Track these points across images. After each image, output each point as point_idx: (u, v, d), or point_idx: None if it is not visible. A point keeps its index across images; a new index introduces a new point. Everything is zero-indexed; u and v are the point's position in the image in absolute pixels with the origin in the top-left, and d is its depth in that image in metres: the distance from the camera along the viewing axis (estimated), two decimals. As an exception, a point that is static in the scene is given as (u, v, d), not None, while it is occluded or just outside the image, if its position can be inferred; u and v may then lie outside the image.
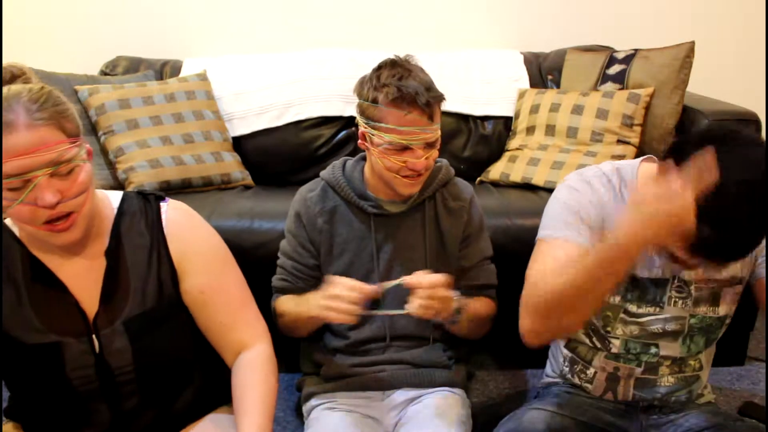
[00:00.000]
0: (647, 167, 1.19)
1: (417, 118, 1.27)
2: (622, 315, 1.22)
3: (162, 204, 1.15)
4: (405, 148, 1.29)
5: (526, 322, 1.15)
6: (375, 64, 1.35)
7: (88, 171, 1.00)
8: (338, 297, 1.21)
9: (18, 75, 1.01)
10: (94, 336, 1.05)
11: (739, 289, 1.23)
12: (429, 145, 1.32)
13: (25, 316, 1.03)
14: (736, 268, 1.20)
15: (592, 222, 1.16)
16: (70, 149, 0.96)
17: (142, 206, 1.13)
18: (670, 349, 1.23)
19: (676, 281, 1.20)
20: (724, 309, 1.22)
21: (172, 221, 1.13)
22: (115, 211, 1.12)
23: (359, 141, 1.37)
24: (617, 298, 1.22)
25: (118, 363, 1.06)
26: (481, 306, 1.43)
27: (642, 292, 1.21)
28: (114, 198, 1.14)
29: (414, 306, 1.22)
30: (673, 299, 1.21)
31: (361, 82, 1.34)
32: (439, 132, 1.33)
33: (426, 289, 1.22)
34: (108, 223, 1.09)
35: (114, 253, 1.08)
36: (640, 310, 1.21)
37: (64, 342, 1.03)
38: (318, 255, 1.43)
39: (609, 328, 1.24)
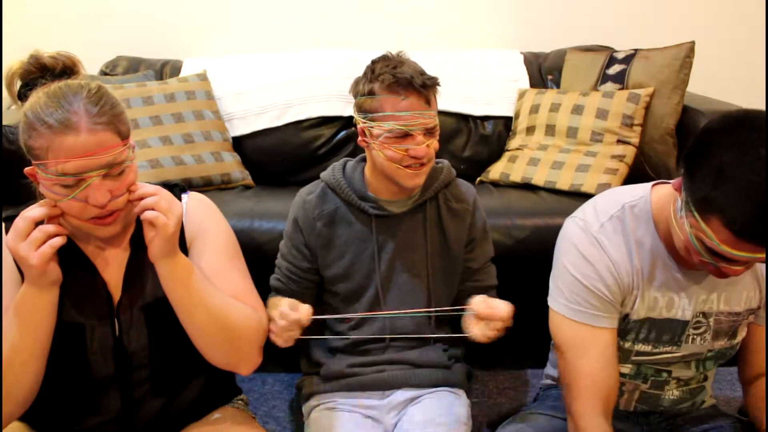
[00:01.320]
0: (660, 194, 1.13)
1: (414, 102, 1.28)
2: (633, 357, 1.20)
3: (183, 195, 1.18)
4: (405, 135, 1.30)
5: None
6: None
7: (135, 170, 1.04)
8: (275, 324, 1.21)
9: (72, 70, 1.03)
10: (116, 319, 1.08)
11: (753, 319, 1.20)
12: (429, 132, 1.32)
13: None
14: (754, 300, 1.17)
15: (608, 292, 1.13)
16: (124, 151, 1.00)
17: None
18: (682, 373, 1.22)
19: (695, 318, 1.15)
20: (739, 338, 1.20)
21: (191, 211, 1.16)
22: None
23: (359, 139, 1.37)
24: (627, 343, 1.17)
25: (134, 347, 1.09)
26: None
27: (658, 333, 1.16)
28: None
29: (479, 335, 1.24)
30: (691, 337, 1.17)
31: (356, 82, 1.37)
32: (437, 121, 1.34)
33: (499, 321, 1.23)
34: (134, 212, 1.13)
35: (138, 240, 1.11)
36: (655, 350, 1.18)
37: (88, 324, 1.07)
38: (314, 258, 1.43)
39: (620, 362, 1.21)
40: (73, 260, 1.07)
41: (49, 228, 0.95)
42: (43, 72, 1.01)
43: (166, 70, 2.44)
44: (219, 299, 1.07)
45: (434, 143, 1.34)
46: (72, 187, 0.96)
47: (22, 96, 1.00)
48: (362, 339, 1.43)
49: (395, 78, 1.28)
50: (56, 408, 1.10)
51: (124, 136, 1.01)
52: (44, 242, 0.94)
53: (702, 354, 1.19)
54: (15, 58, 1.02)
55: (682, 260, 1.11)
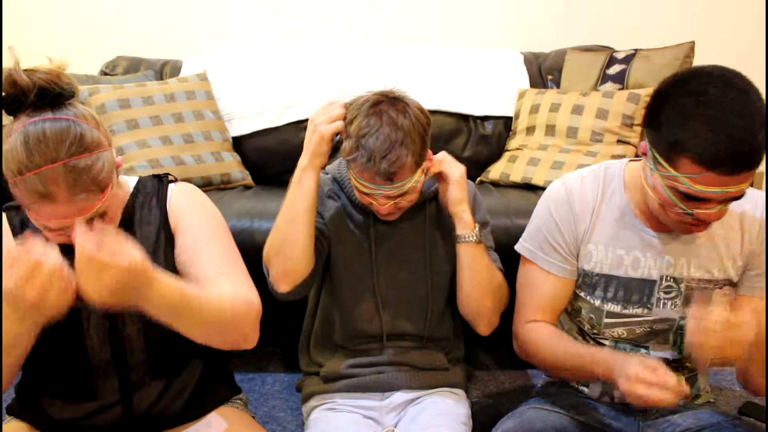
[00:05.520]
0: (632, 165, 1.23)
1: (374, 178, 1.24)
2: (606, 319, 1.23)
3: (171, 185, 1.19)
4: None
5: (516, 348, 1.33)
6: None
7: (115, 201, 1.04)
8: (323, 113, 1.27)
9: (51, 92, 0.96)
10: None
11: (729, 292, 1.22)
12: (395, 197, 1.28)
13: None
14: (728, 269, 1.19)
15: (562, 242, 1.25)
16: (105, 201, 0.99)
17: (156, 186, 1.19)
18: (660, 350, 1.23)
19: (664, 281, 1.20)
20: None
21: (175, 197, 1.18)
22: (131, 189, 1.17)
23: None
24: (597, 301, 1.23)
25: (129, 331, 1.10)
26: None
27: (626, 292, 1.21)
28: (131, 180, 1.20)
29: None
30: (662, 301, 1.20)
31: (347, 106, 1.29)
32: (409, 185, 1.26)
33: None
34: (123, 201, 1.14)
35: (126, 226, 1.12)
36: (625, 311, 1.22)
37: (83, 307, 1.06)
38: (324, 222, 1.40)
39: (596, 331, 1.25)
40: (67, 247, 1.07)
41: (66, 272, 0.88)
42: (23, 93, 0.95)
43: (166, 70, 2.44)
44: (209, 305, 1.01)
45: (407, 198, 1.30)
46: (54, 231, 0.98)
47: (6, 108, 0.98)
48: (359, 338, 1.43)
49: (357, 152, 1.22)
50: (55, 393, 1.11)
51: (103, 186, 0.98)
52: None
53: (674, 321, 1.21)
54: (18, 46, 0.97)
55: (651, 222, 1.19)
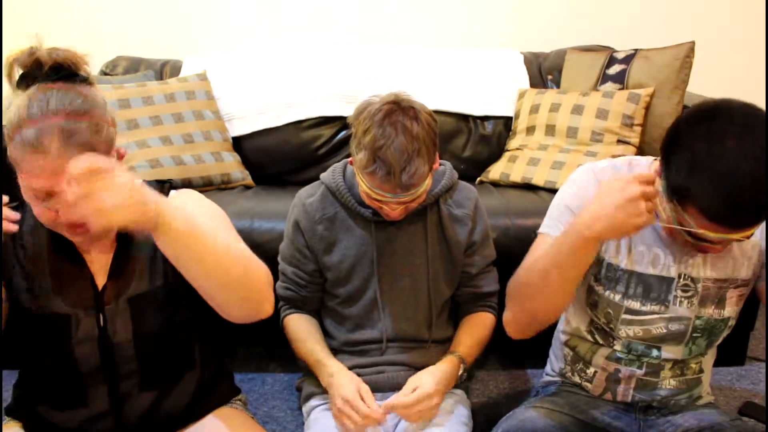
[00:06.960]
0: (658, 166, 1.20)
1: (395, 189, 1.25)
2: (624, 315, 1.22)
3: (172, 192, 1.18)
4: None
5: (507, 313, 1.23)
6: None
7: None
8: (350, 417, 1.28)
9: (68, 69, 0.98)
10: (101, 310, 1.08)
11: (744, 292, 1.22)
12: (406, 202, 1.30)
13: (44, 287, 1.07)
14: (743, 269, 1.19)
15: None
16: None
17: (157, 191, 1.15)
18: (672, 351, 1.23)
19: (682, 279, 1.19)
20: (729, 311, 1.22)
21: (175, 200, 1.15)
22: None
23: (350, 159, 1.35)
24: (617, 296, 1.22)
25: (119, 339, 1.08)
26: (480, 332, 1.46)
27: (645, 289, 1.20)
28: None
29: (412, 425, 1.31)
30: (678, 299, 1.20)
31: (357, 115, 1.28)
32: (422, 190, 1.29)
33: (414, 409, 1.29)
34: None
35: (125, 233, 1.11)
36: (644, 308, 1.21)
37: (74, 314, 1.07)
38: (317, 260, 1.43)
39: (612, 326, 1.24)
40: (61, 251, 1.08)
41: None
42: (39, 67, 0.97)
43: (166, 70, 2.44)
44: (225, 246, 0.98)
45: (418, 200, 1.32)
46: (44, 200, 0.96)
47: (21, 84, 0.98)
48: (361, 340, 1.44)
49: (374, 165, 1.22)
50: (47, 400, 1.11)
51: (102, 154, 0.95)
52: None
53: (690, 320, 1.21)
54: (18, 46, 0.98)
55: None
